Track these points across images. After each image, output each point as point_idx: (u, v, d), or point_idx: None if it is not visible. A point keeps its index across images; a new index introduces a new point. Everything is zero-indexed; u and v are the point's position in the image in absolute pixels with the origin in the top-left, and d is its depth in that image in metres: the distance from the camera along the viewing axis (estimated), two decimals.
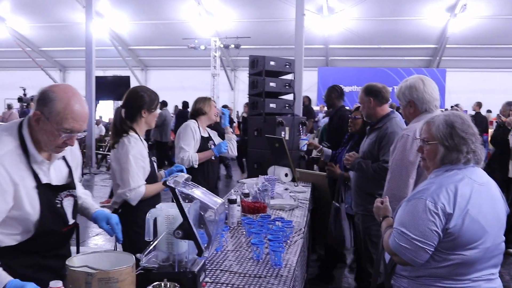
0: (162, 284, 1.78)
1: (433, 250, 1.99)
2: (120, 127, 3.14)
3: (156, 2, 18.83)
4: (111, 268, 1.72)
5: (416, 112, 3.05)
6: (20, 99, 16.17)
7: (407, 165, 2.92)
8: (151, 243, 1.94)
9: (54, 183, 2.12)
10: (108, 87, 18.02)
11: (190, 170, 4.22)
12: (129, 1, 19.12)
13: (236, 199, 3.41)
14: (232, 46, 19.33)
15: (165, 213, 1.94)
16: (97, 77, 18.25)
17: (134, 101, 3.17)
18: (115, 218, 2.34)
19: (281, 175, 5.08)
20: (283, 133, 7.06)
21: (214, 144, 4.54)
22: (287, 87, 7.34)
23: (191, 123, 4.48)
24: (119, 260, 1.83)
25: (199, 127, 4.47)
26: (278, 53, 12.39)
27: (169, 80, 22.57)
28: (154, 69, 25.19)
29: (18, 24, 21.99)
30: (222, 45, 20.06)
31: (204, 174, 4.40)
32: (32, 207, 2.00)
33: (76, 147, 2.33)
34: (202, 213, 1.96)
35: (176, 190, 1.87)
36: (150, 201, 2.94)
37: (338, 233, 4.19)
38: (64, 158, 2.24)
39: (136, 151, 3.08)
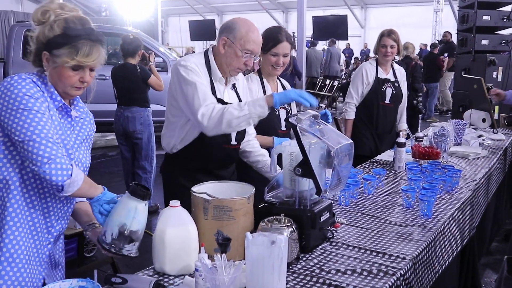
0: (277, 219, 1.80)
1: None
2: None
3: None
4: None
5: None
6: None
7: None
8: (273, 178, 1.98)
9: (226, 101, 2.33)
10: (326, 27, 18.20)
11: None
12: None
13: (404, 142, 3.21)
14: None
15: (288, 150, 1.94)
16: (315, 17, 18.64)
17: None
18: None
19: (478, 120, 4.56)
20: (494, 73, 6.25)
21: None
22: (505, 20, 6.39)
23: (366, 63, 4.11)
24: (244, 191, 1.92)
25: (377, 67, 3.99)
26: None
27: (389, 18, 21.58)
28: (374, 7, 24.40)
29: None
30: None
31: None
32: None
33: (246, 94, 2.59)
34: (328, 153, 1.90)
35: (297, 127, 1.85)
36: None
37: None
38: (236, 91, 2.44)
39: None
